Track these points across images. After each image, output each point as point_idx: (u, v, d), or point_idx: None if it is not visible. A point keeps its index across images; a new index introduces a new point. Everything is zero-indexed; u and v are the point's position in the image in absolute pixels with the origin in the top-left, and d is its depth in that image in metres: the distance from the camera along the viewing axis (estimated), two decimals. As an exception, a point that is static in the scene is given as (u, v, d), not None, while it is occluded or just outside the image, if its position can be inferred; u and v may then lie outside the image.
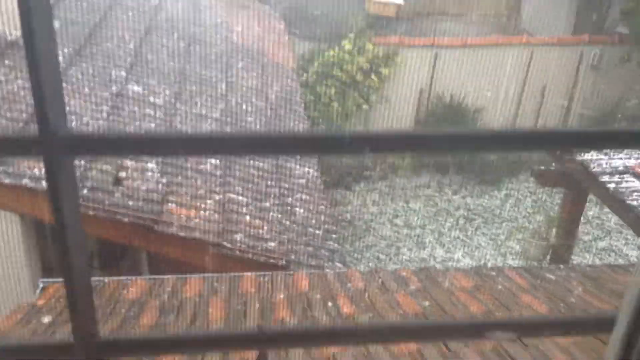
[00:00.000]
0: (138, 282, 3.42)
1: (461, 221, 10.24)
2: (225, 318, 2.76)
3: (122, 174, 4.45)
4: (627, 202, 4.79)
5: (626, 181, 5.10)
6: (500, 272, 3.55)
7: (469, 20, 17.65)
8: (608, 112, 10.06)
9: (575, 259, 9.16)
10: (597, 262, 8.81)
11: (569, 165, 5.65)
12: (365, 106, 10.25)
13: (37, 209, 4.03)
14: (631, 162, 5.40)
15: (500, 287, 3.31)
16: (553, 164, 5.83)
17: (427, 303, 2.95)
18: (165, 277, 3.49)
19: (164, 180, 4.54)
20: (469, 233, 9.99)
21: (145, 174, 4.57)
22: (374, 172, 11.17)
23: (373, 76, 10.10)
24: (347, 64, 9.79)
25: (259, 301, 3.02)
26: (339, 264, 4.62)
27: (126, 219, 4.00)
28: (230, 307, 2.95)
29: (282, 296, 3.09)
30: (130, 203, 4.15)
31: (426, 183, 11.18)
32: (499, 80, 10.48)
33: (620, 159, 5.52)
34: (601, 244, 9.31)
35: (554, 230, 6.95)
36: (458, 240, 9.83)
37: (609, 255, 9.14)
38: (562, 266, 3.98)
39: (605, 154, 5.59)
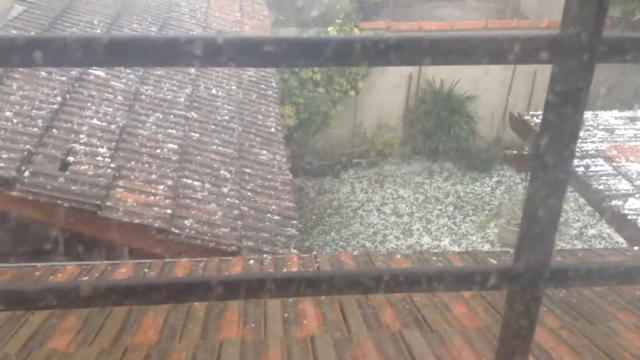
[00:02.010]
0: (68, 268, 3.33)
1: (450, 208, 10.09)
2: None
3: (70, 159, 4.36)
4: (594, 185, 4.64)
5: (596, 165, 4.94)
6: (442, 257, 3.42)
7: (469, 6, 17.46)
8: (599, 95, 9.83)
9: (566, 246, 8.99)
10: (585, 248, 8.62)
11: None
12: (352, 92, 10.10)
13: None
14: (603, 146, 5.23)
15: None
16: (526, 147, 5.65)
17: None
18: (97, 262, 3.40)
19: (114, 165, 4.45)
20: (457, 220, 9.85)
21: (95, 159, 4.48)
22: (363, 160, 11.04)
23: (359, 61, 9.94)
24: (332, 50, 9.64)
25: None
26: (294, 250, 4.51)
27: (67, 204, 3.91)
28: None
29: (206, 282, 2.98)
30: (74, 188, 4.05)
31: (416, 170, 11.03)
32: (489, 65, 10.26)
33: (593, 142, 5.35)
34: (591, 231, 9.13)
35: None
36: (446, 227, 9.69)
37: (599, 242, 8.96)
38: (510, 251, 3.84)
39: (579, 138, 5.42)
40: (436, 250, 9.01)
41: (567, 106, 0.49)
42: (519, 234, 0.54)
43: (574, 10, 0.46)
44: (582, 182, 4.82)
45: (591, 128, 5.56)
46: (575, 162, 5.00)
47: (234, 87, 6.67)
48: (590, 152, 5.13)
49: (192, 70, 6.51)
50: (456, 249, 9.22)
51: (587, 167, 4.90)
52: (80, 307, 0.55)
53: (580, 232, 9.14)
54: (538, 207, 0.52)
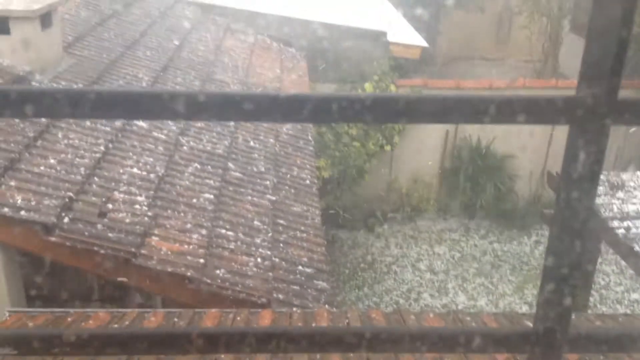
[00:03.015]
0: (100, 314, 3.36)
1: (487, 267, 9.88)
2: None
3: (109, 206, 4.47)
4: (636, 248, 4.50)
5: (637, 227, 4.80)
6: (476, 317, 3.33)
7: (508, 65, 17.55)
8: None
9: (608, 311, 8.66)
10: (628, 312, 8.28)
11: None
12: (387, 147, 10.14)
13: (17, 239, 4.06)
14: (645, 207, 5.09)
15: (470, 332, 3.10)
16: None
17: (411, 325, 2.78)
18: (128, 310, 3.43)
19: (150, 213, 4.52)
20: (494, 280, 9.61)
21: (133, 207, 4.57)
22: (398, 215, 10.97)
23: (396, 117, 10.01)
24: (369, 105, 9.76)
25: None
26: (325, 305, 4.46)
27: (102, 251, 3.98)
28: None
29: (234, 333, 2.97)
30: (111, 235, 4.13)
31: (452, 227, 10.89)
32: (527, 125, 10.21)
33: (634, 204, 5.21)
34: (634, 296, 8.78)
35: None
36: (482, 287, 9.46)
37: (643, 307, 8.61)
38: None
39: (618, 198, 5.29)
40: (472, 310, 8.78)
41: (583, 167, 0.49)
42: (538, 296, 0.53)
43: (589, 72, 0.47)
44: (623, 244, 4.68)
45: (632, 189, 5.43)
46: (616, 224, 4.87)
47: (271, 140, 6.79)
48: (631, 214, 4.99)
49: (232, 122, 6.67)
50: (492, 309, 8.97)
51: (627, 229, 4.77)
52: (66, 354, 0.56)
53: (622, 296, 8.81)
54: (557, 269, 0.51)
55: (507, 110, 0.50)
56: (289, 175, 6.26)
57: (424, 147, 10.71)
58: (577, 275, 0.51)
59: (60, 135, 5.08)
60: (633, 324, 3.37)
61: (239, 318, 3.29)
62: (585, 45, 0.47)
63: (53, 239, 3.94)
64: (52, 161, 4.68)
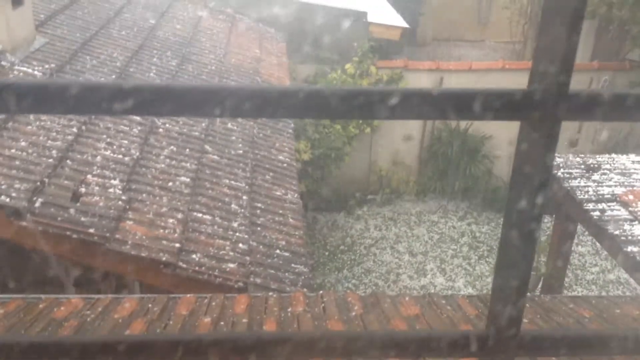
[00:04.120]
0: (72, 301, 3.31)
1: (465, 249, 9.96)
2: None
3: (82, 190, 4.39)
4: (610, 230, 4.55)
5: (612, 209, 4.85)
6: (451, 300, 3.35)
7: (488, 46, 17.58)
8: (617, 139, 9.75)
9: (582, 292, 8.81)
10: (603, 294, 8.42)
11: (556, 192, 5.42)
12: (367, 129, 10.12)
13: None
14: (619, 190, 5.15)
15: (445, 315, 3.11)
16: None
17: (358, 331, 2.77)
18: (102, 296, 3.38)
19: (125, 197, 4.46)
20: (472, 261, 9.70)
21: (107, 191, 4.50)
22: (377, 197, 10.99)
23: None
24: (349, 87, 9.70)
25: (182, 323, 2.88)
26: (304, 289, 4.45)
27: (75, 236, 3.92)
28: (150, 328, 2.81)
29: (208, 319, 2.94)
30: (84, 219, 4.07)
31: (431, 209, 10.94)
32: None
33: (609, 186, 5.27)
34: (609, 276, 8.93)
35: (545, 258, 6.65)
36: (460, 268, 9.54)
37: (617, 288, 8.76)
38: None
39: (594, 181, 5.34)
40: (449, 292, 8.87)
41: (534, 162, 0.47)
42: (491, 295, 0.51)
43: (540, 67, 0.44)
44: (598, 226, 4.74)
45: (607, 172, 5.48)
46: (591, 206, 4.92)
47: (249, 122, 6.72)
48: (606, 197, 5.04)
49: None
50: (470, 290, 9.06)
51: (602, 211, 4.82)
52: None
53: (597, 277, 8.95)
54: (507, 270, 0.49)
55: (462, 105, 0.47)
56: (267, 158, 6.21)
57: (404, 130, 10.71)
58: (527, 279, 0.49)
59: (31, 117, 4.97)
60: (606, 307, 3.41)
61: (214, 303, 3.27)
62: (536, 39, 0.44)
63: (24, 223, 3.86)
64: (23, 144, 4.58)
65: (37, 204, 4.01)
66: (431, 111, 0.47)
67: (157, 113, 0.45)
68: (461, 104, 0.47)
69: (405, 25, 10.05)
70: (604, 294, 8.57)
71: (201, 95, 0.45)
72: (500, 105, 0.45)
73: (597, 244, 9.02)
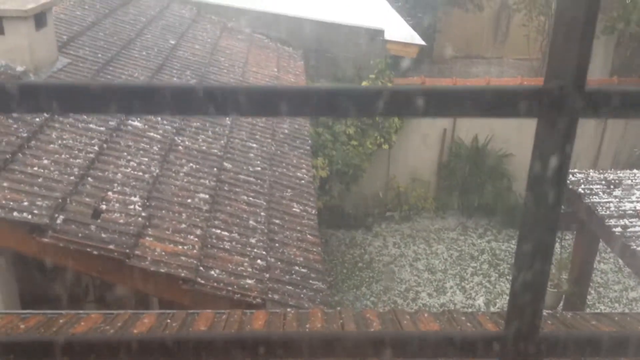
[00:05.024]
0: (92, 316, 3.33)
1: (485, 266, 9.85)
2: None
3: (103, 207, 4.44)
4: (633, 247, 4.47)
5: (634, 225, 4.78)
6: (471, 317, 3.31)
7: (506, 63, 17.53)
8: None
9: (605, 309, 8.64)
10: (627, 311, 8.26)
11: (577, 208, 5.35)
12: (385, 146, 10.11)
13: (10, 240, 4.03)
14: (642, 205, 5.07)
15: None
16: (562, 205, 5.51)
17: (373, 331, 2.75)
18: (121, 312, 3.40)
19: (144, 214, 4.50)
20: (492, 279, 9.59)
21: (127, 207, 4.54)
22: (396, 213, 10.94)
23: (394, 116, 9.98)
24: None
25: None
26: (322, 305, 4.44)
27: (96, 252, 3.96)
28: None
29: (226, 334, 2.94)
30: (104, 236, 4.11)
31: (450, 226, 10.86)
32: (525, 123, 10.18)
33: (631, 201, 5.19)
34: (632, 294, 8.76)
35: (566, 276, 6.55)
36: (480, 286, 9.44)
37: (641, 306, 8.59)
38: (546, 312, 3.69)
39: (615, 197, 5.27)
40: (469, 310, 8.76)
41: (551, 162, 0.47)
42: (508, 300, 0.51)
43: (556, 64, 0.45)
44: (621, 243, 4.66)
45: (629, 187, 5.41)
46: (613, 222, 4.85)
47: (267, 140, 6.76)
48: (628, 212, 4.97)
49: (228, 121, 6.64)
50: (490, 308, 8.94)
51: (625, 227, 4.75)
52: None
53: (620, 294, 8.78)
54: (525, 271, 0.49)
55: (479, 101, 0.48)
56: (285, 175, 6.24)
57: (421, 146, 10.69)
58: (546, 278, 0.49)
59: (54, 135, 5.05)
60: (630, 324, 3.35)
61: (232, 319, 3.27)
62: (552, 36, 0.45)
63: (46, 240, 3.91)
64: (45, 162, 4.65)
65: (58, 221, 4.06)
66: (449, 107, 0.47)
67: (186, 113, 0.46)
68: (479, 100, 0.47)
69: (422, 42, 10.08)
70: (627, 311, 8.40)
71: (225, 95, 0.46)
72: (518, 101, 0.45)
73: (620, 260, 8.87)
